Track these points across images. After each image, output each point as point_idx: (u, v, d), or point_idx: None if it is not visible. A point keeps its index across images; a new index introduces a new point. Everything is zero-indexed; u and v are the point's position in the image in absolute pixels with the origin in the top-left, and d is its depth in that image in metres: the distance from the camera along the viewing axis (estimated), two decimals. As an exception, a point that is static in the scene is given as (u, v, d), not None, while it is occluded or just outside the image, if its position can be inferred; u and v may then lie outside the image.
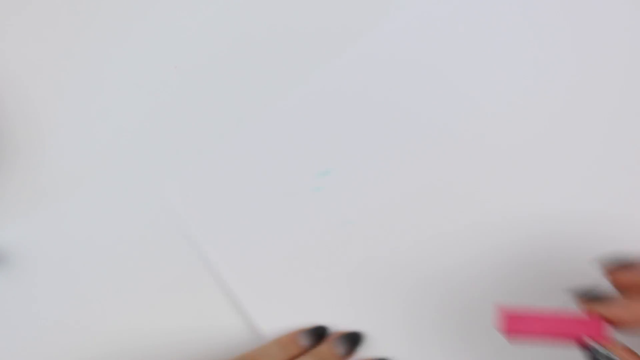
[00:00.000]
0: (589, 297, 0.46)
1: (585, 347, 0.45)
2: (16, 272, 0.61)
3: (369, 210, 0.60)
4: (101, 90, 0.60)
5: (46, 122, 0.60)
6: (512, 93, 0.60)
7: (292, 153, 0.60)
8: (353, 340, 0.57)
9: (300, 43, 0.59)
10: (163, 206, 0.60)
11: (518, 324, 0.47)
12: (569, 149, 0.60)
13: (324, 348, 0.56)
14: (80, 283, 0.62)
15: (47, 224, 0.61)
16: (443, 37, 0.59)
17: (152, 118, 0.60)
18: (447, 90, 0.60)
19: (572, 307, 0.48)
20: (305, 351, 0.56)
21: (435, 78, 0.60)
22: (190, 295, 0.60)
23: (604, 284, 0.48)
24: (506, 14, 0.59)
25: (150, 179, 0.61)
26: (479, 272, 0.61)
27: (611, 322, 0.45)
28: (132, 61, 0.60)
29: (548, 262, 0.60)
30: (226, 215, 0.61)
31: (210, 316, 0.60)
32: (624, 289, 0.46)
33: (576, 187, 0.61)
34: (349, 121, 0.60)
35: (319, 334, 0.57)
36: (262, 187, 0.60)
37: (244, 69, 0.60)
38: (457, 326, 0.62)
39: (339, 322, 0.61)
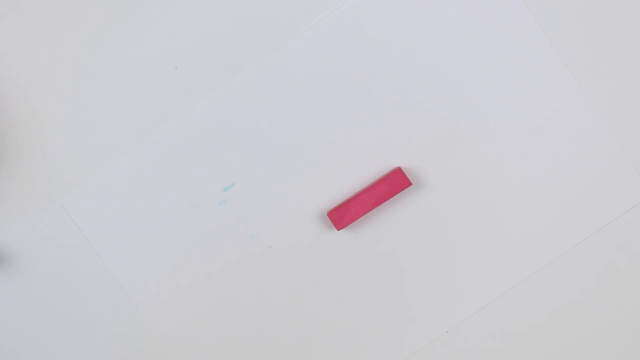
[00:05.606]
0: None
1: None
2: (16, 272, 0.61)
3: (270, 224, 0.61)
4: (101, 91, 0.60)
5: (46, 122, 0.60)
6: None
7: (199, 167, 0.60)
8: None
9: (206, 57, 0.60)
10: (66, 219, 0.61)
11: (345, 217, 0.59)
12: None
13: None
14: (80, 282, 0.62)
15: (47, 224, 0.61)
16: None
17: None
18: (340, 105, 0.60)
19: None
20: None
21: (328, 97, 0.60)
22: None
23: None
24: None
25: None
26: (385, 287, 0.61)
27: None
28: (131, 61, 0.60)
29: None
30: (132, 230, 0.61)
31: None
32: None
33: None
34: (253, 135, 0.60)
35: None
36: (169, 201, 0.61)
37: (151, 81, 0.60)
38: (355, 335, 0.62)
39: (240, 338, 0.62)
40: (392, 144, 0.60)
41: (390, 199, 0.60)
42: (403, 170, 0.59)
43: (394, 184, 0.59)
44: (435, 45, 0.59)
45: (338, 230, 0.59)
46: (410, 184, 0.58)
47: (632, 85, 0.59)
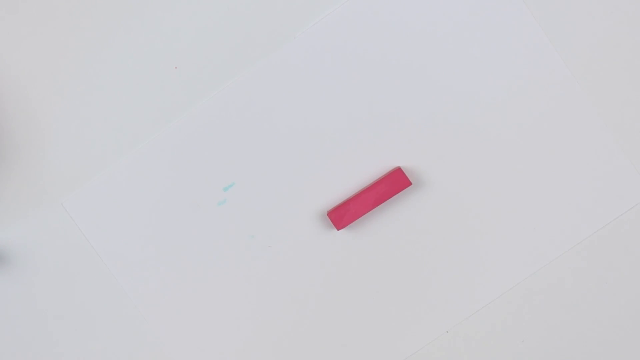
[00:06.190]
0: None
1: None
2: (16, 272, 0.61)
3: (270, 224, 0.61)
4: (101, 91, 0.60)
5: (46, 122, 0.60)
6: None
7: (199, 167, 0.60)
8: None
9: (206, 57, 0.60)
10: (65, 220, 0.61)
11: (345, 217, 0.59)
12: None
13: None
14: (80, 282, 0.62)
15: (47, 224, 0.61)
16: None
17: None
18: (341, 107, 0.60)
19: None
20: None
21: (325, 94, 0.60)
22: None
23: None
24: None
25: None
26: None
27: None
28: (131, 61, 0.60)
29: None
30: (132, 230, 0.61)
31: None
32: None
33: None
34: (253, 135, 0.60)
35: None
36: (169, 201, 0.61)
37: (151, 81, 0.60)
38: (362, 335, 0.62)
39: (240, 339, 0.62)
40: (392, 144, 0.60)
41: (390, 199, 0.60)
42: (403, 170, 0.59)
43: (393, 183, 0.59)
44: (435, 45, 0.59)
45: (338, 230, 0.59)
46: (410, 183, 0.58)
47: (632, 85, 0.59)
